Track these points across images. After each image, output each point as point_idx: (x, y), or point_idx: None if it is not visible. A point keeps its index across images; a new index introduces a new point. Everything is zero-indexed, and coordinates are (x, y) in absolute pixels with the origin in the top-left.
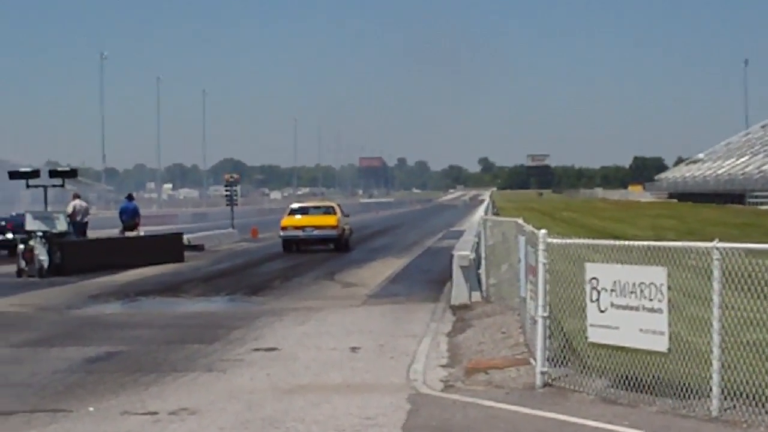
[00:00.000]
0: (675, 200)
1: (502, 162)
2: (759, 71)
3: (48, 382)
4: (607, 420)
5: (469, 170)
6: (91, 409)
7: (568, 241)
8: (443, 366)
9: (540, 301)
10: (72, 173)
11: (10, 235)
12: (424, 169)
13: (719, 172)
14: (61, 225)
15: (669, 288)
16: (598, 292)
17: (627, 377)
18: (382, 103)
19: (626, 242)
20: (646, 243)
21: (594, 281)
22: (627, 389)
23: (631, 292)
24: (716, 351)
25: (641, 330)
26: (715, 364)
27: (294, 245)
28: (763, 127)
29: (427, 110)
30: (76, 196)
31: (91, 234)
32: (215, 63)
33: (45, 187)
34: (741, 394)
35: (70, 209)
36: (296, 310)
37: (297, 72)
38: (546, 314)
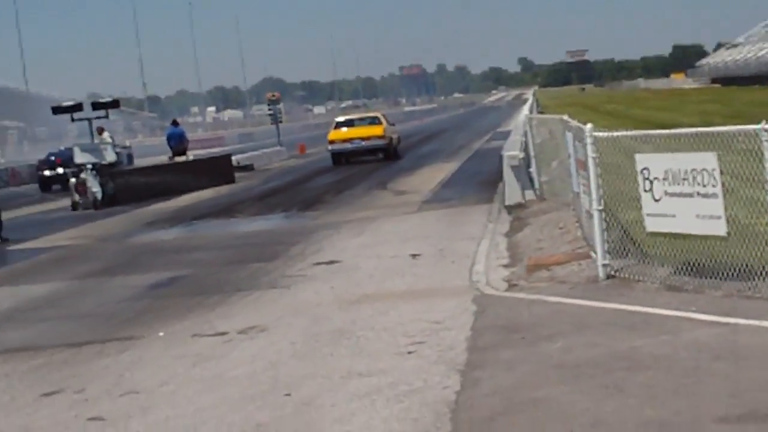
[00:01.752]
0: (718, 85)
1: (542, 60)
2: None
3: (115, 311)
4: (674, 307)
5: (509, 71)
6: (161, 333)
7: (616, 133)
8: (505, 266)
9: (593, 195)
10: (114, 104)
11: (60, 170)
12: (464, 73)
13: (760, 54)
14: (110, 155)
15: (721, 172)
16: (651, 182)
17: (689, 264)
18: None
19: (673, 131)
20: (693, 129)
21: (645, 171)
22: (691, 276)
23: (684, 179)
24: None
25: (698, 216)
26: None
27: (343, 158)
28: None
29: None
30: (102, 130)
31: (140, 162)
32: None
33: (89, 120)
34: None
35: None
36: (352, 222)
37: None
38: (601, 207)
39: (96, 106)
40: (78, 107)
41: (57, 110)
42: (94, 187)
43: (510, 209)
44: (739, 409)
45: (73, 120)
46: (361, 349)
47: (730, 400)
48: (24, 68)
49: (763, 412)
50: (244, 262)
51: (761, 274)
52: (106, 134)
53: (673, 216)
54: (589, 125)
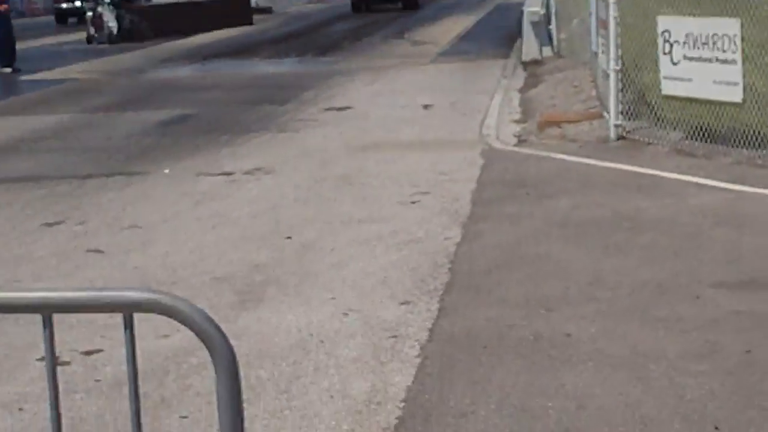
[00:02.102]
0: None
1: None
2: None
3: (123, 146)
4: (681, 171)
5: None
6: (167, 171)
7: None
8: (516, 121)
9: (612, 55)
10: None
11: (78, 3)
12: None
13: None
14: None
15: (743, 39)
16: (671, 45)
17: (701, 129)
18: None
19: None
20: None
21: (666, 34)
22: (702, 141)
23: (704, 44)
24: None
25: (715, 81)
26: None
27: (363, 5)
28: None
29: None
30: None
31: None
32: None
33: None
34: None
35: None
36: (367, 69)
37: None
38: (618, 67)
39: None
40: None
41: None
42: (111, 22)
43: (526, 65)
44: (737, 275)
45: None
46: (365, 197)
47: (728, 266)
48: None
49: (760, 280)
50: (256, 103)
51: None
52: None
53: (690, 80)
54: None
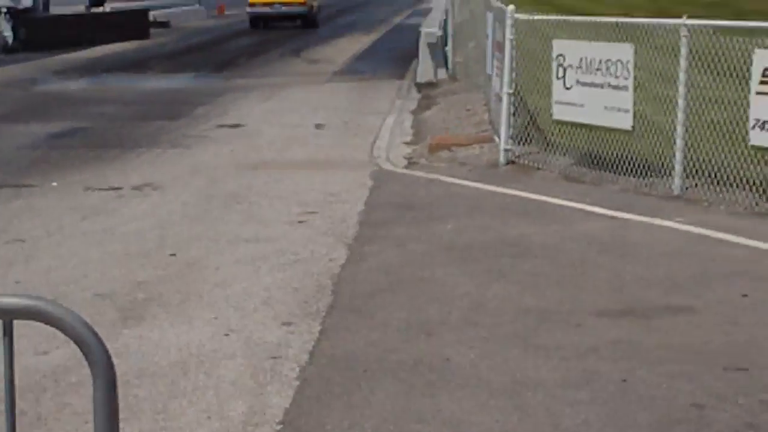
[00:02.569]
0: None
1: None
2: None
3: (12, 158)
4: (569, 197)
5: None
6: (55, 184)
7: (536, 17)
8: (407, 143)
9: (506, 78)
10: None
11: None
12: None
13: None
14: (26, 0)
15: (636, 66)
16: (564, 69)
17: (591, 155)
18: None
19: (594, 18)
20: (614, 19)
21: (560, 58)
22: (590, 168)
23: (597, 70)
24: (680, 129)
25: (606, 107)
26: (679, 143)
27: (261, 22)
28: None
29: None
30: None
31: (56, 9)
32: None
33: None
34: (702, 173)
35: None
36: (261, 87)
37: None
38: (511, 91)
39: None
40: None
41: None
42: (6, 32)
43: (421, 87)
44: (618, 304)
45: None
46: (252, 215)
47: (611, 294)
48: None
49: (639, 309)
50: (148, 118)
51: (660, 171)
52: None
53: (582, 105)
54: (511, 6)
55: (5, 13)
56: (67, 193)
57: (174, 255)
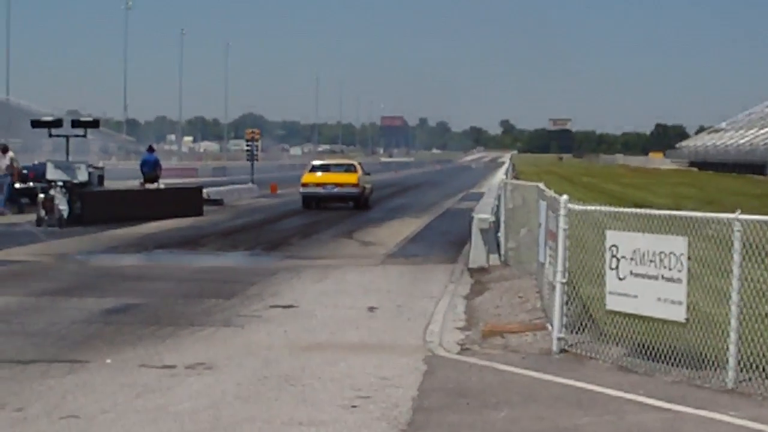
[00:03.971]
0: (695, 169)
1: (524, 125)
2: None
3: (66, 332)
4: (622, 388)
5: (489, 132)
6: (109, 360)
7: (589, 207)
8: (460, 328)
9: (559, 267)
10: (94, 123)
11: (31, 184)
12: (444, 129)
13: (741, 141)
14: (82, 175)
15: (689, 258)
16: (618, 260)
17: (644, 346)
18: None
19: (647, 210)
20: (667, 212)
21: (614, 249)
22: (643, 358)
23: (651, 261)
24: (734, 322)
25: (659, 299)
26: (733, 336)
27: (314, 202)
28: None
29: (449, 71)
30: (6, 150)
31: (111, 184)
32: (238, 17)
33: (67, 137)
34: (757, 367)
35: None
36: (314, 268)
37: (320, 29)
38: (565, 280)
39: (76, 123)
40: (57, 123)
41: (36, 124)
42: (62, 205)
43: (473, 272)
44: None
45: (51, 135)
46: (305, 398)
47: None
48: (7, 77)
49: None
50: (202, 296)
51: (713, 364)
52: (10, 154)
53: (635, 296)
54: (564, 197)
55: (61, 187)
56: (121, 369)
57: None
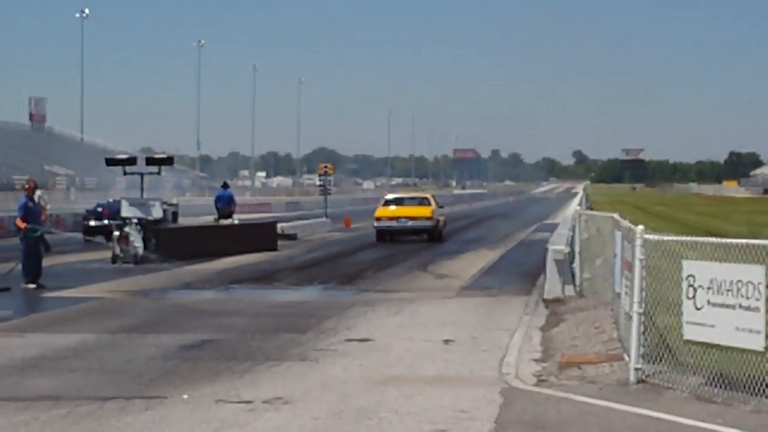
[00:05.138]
0: None
1: (596, 155)
2: None
3: (143, 369)
4: (701, 418)
5: (562, 163)
6: (186, 396)
7: (665, 237)
8: (536, 360)
9: (635, 297)
10: (168, 161)
11: (106, 221)
12: (517, 160)
13: None
14: (157, 212)
15: (767, 287)
16: (695, 290)
17: (722, 375)
18: (476, 94)
19: (724, 240)
20: (744, 241)
21: (691, 278)
22: (722, 387)
23: (728, 290)
24: None
25: (737, 328)
26: None
27: (387, 235)
28: None
29: (521, 102)
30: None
31: (185, 221)
32: (310, 53)
33: (141, 175)
34: None
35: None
36: (389, 301)
37: (391, 63)
38: (641, 310)
39: (150, 161)
40: (132, 161)
41: (110, 162)
42: (137, 242)
43: (548, 303)
44: None
45: (125, 173)
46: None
47: None
48: (82, 116)
49: None
50: (278, 331)
51: None
52: (38, 192)
53: (713, 326)
54: (640, 227)
55: (136, 224)
56: (198, 405)
57: None
